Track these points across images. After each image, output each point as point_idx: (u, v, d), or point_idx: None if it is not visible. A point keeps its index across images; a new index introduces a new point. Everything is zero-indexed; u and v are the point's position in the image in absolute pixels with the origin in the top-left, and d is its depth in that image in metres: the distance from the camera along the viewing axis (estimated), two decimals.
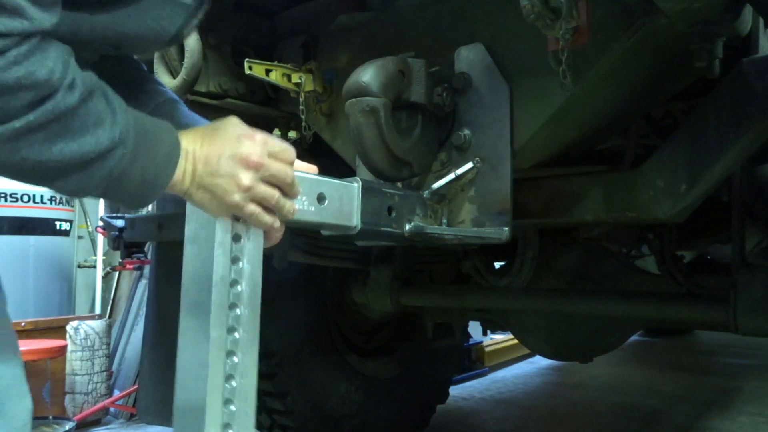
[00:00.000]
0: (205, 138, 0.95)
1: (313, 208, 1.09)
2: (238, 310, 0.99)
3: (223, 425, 0.96)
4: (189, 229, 1.02)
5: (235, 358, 0.98)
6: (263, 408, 2.67)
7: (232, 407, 0.97)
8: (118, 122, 0.86)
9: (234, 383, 0.97)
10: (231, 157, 0.93)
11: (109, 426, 3.79)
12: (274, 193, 0.97)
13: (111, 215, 3.02)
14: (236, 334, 0.98)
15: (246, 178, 0.93)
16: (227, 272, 0.99)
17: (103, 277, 4.62)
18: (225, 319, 0.97)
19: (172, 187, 0.93)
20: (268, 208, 0.99)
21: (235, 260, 1.00)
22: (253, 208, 0.96)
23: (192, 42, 1.68)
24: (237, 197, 0.94)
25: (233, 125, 0.97)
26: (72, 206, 4.50)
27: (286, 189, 1.00)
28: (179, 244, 1.03)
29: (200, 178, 0.93)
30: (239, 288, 0.99)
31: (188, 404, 0.97)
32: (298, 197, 1.05)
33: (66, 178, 0.83)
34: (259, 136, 0.96)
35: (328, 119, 1.88)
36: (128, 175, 0.87)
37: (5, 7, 0.74)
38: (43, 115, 0.78)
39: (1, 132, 0.77)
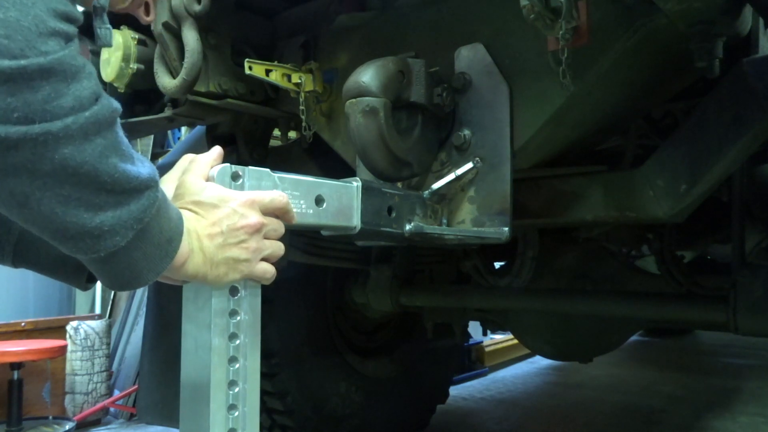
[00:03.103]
0: (195, 213, 0.92)
1: (311, 211, 1.09)
2: (239, 317, 0.99)
3: (228, 430, 0.96)
4: None
5: (237, 365, 0.98)
6: (263, 408, 2.67)
7: (236, 413, 0.97)
8: (148, 164, 0.79)
9: (237, 389, 0.97)
10: (231, 227, 0.92)
11: (109, 426, 3.79)
12: (279, 248, 0.99)
13: None
14: (237, 341, 0.98)
15: (253, 241, 0.94)
16: None
17: None
18: (226, 326, 0.97)
19: (181, 265, 0.87)
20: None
21: None
22: (264, 267, 0.98)
23: (192, 42, 1.67)
24: (248, 265, 0.95)
25: (210, 193, 0.92)
26: None
27: (288, 220, 1.02)
28: None
29: (213, 255, 0.91)
30: (240, 294, 0.99)
31: (192, 408, 0.97)
32: (296, 200, 1.05)
33: (105, 209, 0.74)
34: (245, 197, 0.95)
35: (328, 119, 1.88)
36: (151, 230, 0.79)
37: None
38: (100, 110, 0.71)
39: (75, 121, 0.68)
